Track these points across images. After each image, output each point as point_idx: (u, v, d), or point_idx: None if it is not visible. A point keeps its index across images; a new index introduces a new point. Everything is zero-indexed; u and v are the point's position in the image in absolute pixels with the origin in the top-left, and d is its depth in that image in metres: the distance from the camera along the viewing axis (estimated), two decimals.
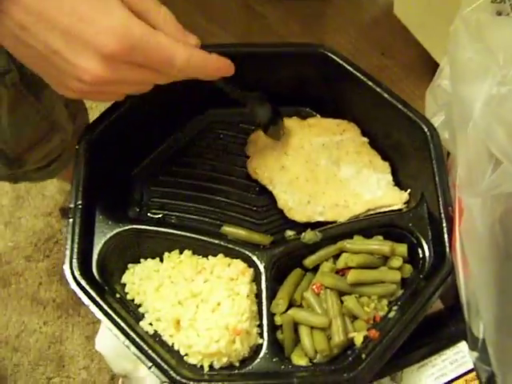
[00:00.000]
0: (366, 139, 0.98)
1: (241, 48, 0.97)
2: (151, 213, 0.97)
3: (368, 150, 0.97)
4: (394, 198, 0.94)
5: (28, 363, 1.76)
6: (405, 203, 0.94)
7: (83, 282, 0.82)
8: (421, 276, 0.87)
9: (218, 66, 0.77)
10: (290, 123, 0.99)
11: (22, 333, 1.80)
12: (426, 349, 0.87)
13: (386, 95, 0.93)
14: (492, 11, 0.81)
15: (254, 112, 0.91)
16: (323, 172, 0.95)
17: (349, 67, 0.95)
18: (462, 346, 0.87)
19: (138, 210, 0.97)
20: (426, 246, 0.88)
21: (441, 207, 0.86)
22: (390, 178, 0.96)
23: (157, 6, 0.73)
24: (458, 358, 0.87)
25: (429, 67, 1.03)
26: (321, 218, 0.93)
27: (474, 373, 0.84)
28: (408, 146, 0.94)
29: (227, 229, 0.93)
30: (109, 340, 1.23)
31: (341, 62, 0.95)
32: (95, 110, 1.77)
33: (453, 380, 0.84)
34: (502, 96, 0.71)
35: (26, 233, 1.91)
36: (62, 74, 0.70)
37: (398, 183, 0.96)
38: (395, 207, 0.94)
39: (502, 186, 0.71)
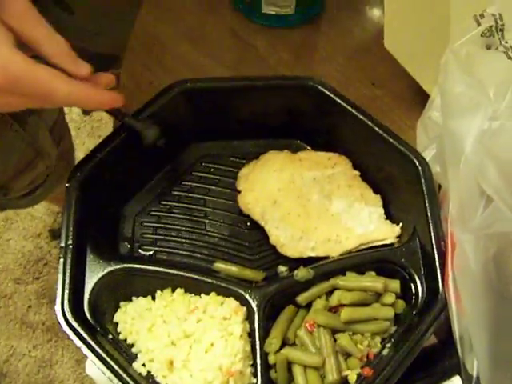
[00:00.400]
0: (357, 172, 0.98)
1: (232, 82, 0.97)
2: (142, 249, 0.96)
3: (359, 183, 0.97)
4: (386, 232, 0.93)
5: None
6: (397, 237, 0.94)
7: (75, 324, 0.82)
8: (414, 312, 0.87)
9: (100, 101, 0.77)
10: (281, 157, 0.98)
11: (10, 357, 1.79)
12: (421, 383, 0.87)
13: (377, 129, 0.93)
14: (482, 45, 0.81)
15: (143, 135, 0.89)
16: (315, 207, 0.94)
17: (339, 100, 0.94)
18: (456, 380, 0.86)
19: (129, 246, 0.96)
20: (418, 282, 0.88)
21: (433, 242, 0.85)
22: (381, 211, 0.96)
23: (48, 36, 0.72)
24: None
25: (419, 97, 1.03)
26: (313, 254, 0.93)
27: None
28: (399, 179, 0.94)
29: (219, 265, 0.93)
30: None
31: (330, 94, 0.95)
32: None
33: None
34: (493, 131, 0.71)
35: (14, 255, 1.90)
36: None
37: (390, 216, 0.96)
38: (387, 241, 0.93)
39: (494, 224, 0.71)
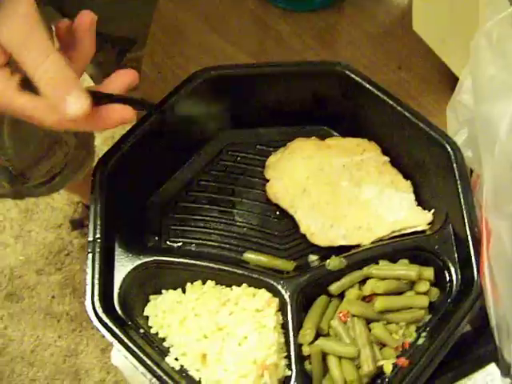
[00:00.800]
0: (387, 158, 0.96)
1: (257, 68, 0.95)
2: (170, 241, 0.95)
3: (390, 169, 0.96)
4: (417, 219, 0.92)
5: (44, 378, 1.77)
6: (429, 224, 0.92)
7: (106, 319, 0.81)
8: (448, 300, 0.85)
9: (91, 127, 0.72)
10: (309, 145, 0.97)
11: (36, 347, 1.80)
12: (455, 372, 0.85)
13: (406, 113, 0.91)
14: None
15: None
16: (345, 194, 0.93)
17: (367, 85, 0.93)
18: (492, 368, 0.85)
19: (156, 238, 0.95)
20: (452, 269, 0.86)
21: (467, 228, 0.84)
22: (412, 197, 0.94)
23: (39, 58, 0.64)
24: (488, 380, 0.84)
25: (447, 80, 1.01)
26: (344, 242, 0.91)
27: None
28: (431, 165, 0.92)
29: (249, 256, 0.92)
30: None
31: (359, 79, 0.93)
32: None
33: None
34: None
35: (36, 246, 1.90)
36: None
37: (421, 203, 0.94)
38: (419, 228, 0.92)
39: None
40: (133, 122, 0.76)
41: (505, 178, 0.70)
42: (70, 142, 1.24)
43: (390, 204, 0.93)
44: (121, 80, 0.73)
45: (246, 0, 1.15)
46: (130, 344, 0.80)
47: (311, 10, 1.14)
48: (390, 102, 0.92)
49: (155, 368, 0.79)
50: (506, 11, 0.77)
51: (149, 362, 0.79)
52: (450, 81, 0.99)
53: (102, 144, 1.92)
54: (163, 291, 0.89)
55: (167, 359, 0.84)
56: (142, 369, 0.79)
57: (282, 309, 0.86)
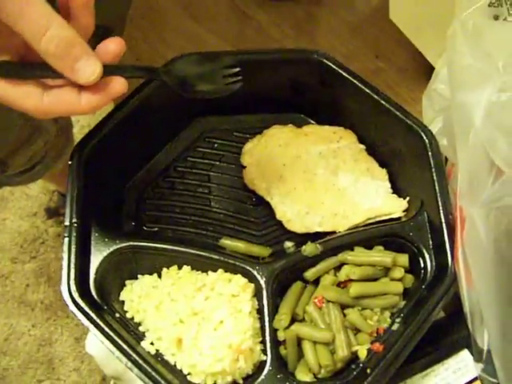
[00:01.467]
0: (362, 146, 0.97)
1: (236, 56, 0.95)
2: (147, 226, 0.95)
3: (365, 157, 0.96)
4: (393, 207, 0.93)
5: (17, 367, 1.76)
6: (404, 211, 0.93)
7: (82, 304, 0.81)
8: (423, 286, 0.86)
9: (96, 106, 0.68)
10: (286, 132, 0.97)
11: (10, 336, 1.79)
12: (429, 358, 0.87)
13: (383, 102, 0.92)
14: (489, 15, 0.80)
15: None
16: (321, 181, 0.94)
17: (344, 73, 0.93)
18: (465, 354, 0.87)
19: (133, 224, 0.95)
20: (427, 256, 0.87)
21: (441, 216, 0.85)
22: (388, 185, 0.95)
23: (41, 26, 0.63)
24: (461, 366, 0.86)
25: (423, 69, 1.03)
26: (320, 229, 0.92)
27: (477, 381, 0.84)
28: (406, 153, 0.93)
29: (225, 242, 0.92)
30: (99, 342, 1.21)
31: (336, 68, 0.94)
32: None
33: None
34: (503, 103, 0.70)
35: (11, 234, 1.89)
36: None
37: (397, 190, 0.95)
38: (394, 215, 0.93)
39: (504, 197, 0.70)
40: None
41: (479, 165, 0.71)
42: (51, 129, 1.24)
43: (365, 192, 0.94)
44: (111, 48, 0.71)
45: None
46: (106, 328, 0.80)
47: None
48: (367, 91, 0.92)
49: (131, 352, 0.79)
50: (481, 1, 0.78)
51: (124, 346, 0.79)
52: (427, 70, 1.00)
53: (79, 132, 1.91)
54: (139, 276, 0.89)
55: (143, 343, 0.84)
56: (117, 353, 0.79)
57: (257, 294, 0.86)
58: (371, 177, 0.95)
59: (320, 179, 0.94)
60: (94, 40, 1.25)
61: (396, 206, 0.93)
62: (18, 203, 1.92)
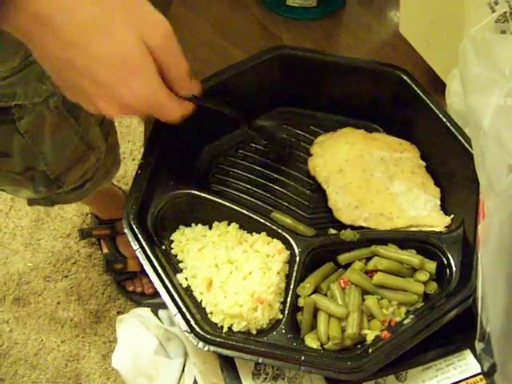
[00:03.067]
0: (423, 163, 1.04)
1: (326, 57, 1.05)
2: (212, 186, 1.05)
3: (423, 172, 1.03)
4: (437, 220, 0.99)
5: (46, 381, 1.84)
6: (446, 227, 0.98)
7: (135, 227, 0.91)
8: (443, 294, 0.91)
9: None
10: (357, 133, 1.06)
11: (40, 351, 1.88)
12: (433, 353, 0.91)
13: (448, 124, 0.98)
14: (496, 30, 0.85)
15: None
16: (376, 183, 1.01)
17: (421, 93, 1.01)
18: (467, 353, 0.91)
19: (200, 181, 1.05)
20: (454, 269, 0.93)
21: (476, 233, 0.90)
22: (437, 202, 1.01)
23: (177, 62, 0.77)
24: (462, 364, 0.90)
25: (436, 85, 1.08)
26: (364, 224, 0.99)
27: (474, 378, 0.88)
28: (460, 175, 0.99)
29: (276, 215, 1.00)
30: (126, 357, 1.30)
31: (415, 87, 1.01)
32: None
33: (455, 383, 0.88)
34: (508, 107, 0.75)
35: (45, 254, 2.01)
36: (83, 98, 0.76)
37: (444, 207, 1.01)
38: (436, 229, 0.98)
39: None
40: None
41: (493, 162, 0.75)
42: (102, 147, 1.32)
43: (414, 201, 1.00)
44: None
45: (252, 8, 1.24)
46: (150, 253, 0.89)
47: (311, 18, 1.23)
48: (437, 112, 0.99)
49: (165, 278, 0.88)
50: (487, 18, 0.84)
51: (161, 271, 0.88)
52: (441, 86, 1.06)
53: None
54: (192, 224, 0.99)
55: (178, 276, 0.93)
56: (153, 276, 0.88)
57: (290, 262, 0.94)
58: (424, 191, 1.01)
59: (376, 181, 1.01)
60: None
61: (439, 221, 0.99)
62: (52, 224, 2.04)
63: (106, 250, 1.93)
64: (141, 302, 1.87)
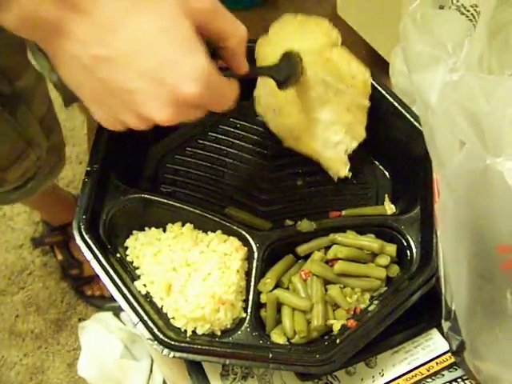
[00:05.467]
0: (367, 104, 0.98)
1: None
2: (162, 187, 1.02)
3: (360, 114, 0.99)
4: (335, 166, 1.01)
5: None
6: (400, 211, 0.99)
7: (87, 238, 0.88)
8: (406, 276, 0.91)
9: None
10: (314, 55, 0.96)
11: (1, 367, 1.83)
12: (400, 336, 0.91)
13: (396, 104, 0.99)
14: (435, 5, 0.84)
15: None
16: (307, 101, 0.97)
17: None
18: (434, 333, 0.91)
19: (150, 183, 1.03)
20: (414, 249, 0.93)
21: (432, 211, 0.89)
22: (352, 146, 1.00)
23: (234, 28, 0.75)
24: (430, 343, 0.91)
25: (380, 65, 1.08)
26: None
27: (443, 356, 0.89)
28: (412, 154, 0.98)
29: (230, 211, 0.98)
30: (92, 364, 1.27)
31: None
32: None
33: (424, 363, 0.89)
34: (454, 82, 0.74)
35: None
36: (123, 112, 0.71)
37: (398, 189, 1.02)
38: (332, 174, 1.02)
39: (466, 164, 0.72)
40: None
41: (443, 139, 0.75)
42: (43, 145, 1.27)
43: (329, 138, 0.98)
44: None
45: None
46: (105, 263, 0.87)
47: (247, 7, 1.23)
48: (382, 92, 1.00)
49: (123, 287, 0.86)
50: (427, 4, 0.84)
51: (118, 281, 0.86)
52: (382, 65, 1.06)
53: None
54: (146, 228, 0.96)
55: (136, 283, 0.90)
56: (110, 286, 0.86)
57: (249, 258, 0.92)
58: (346, 131, 0.98)
59: (308, 99, 0.96)
60: None
61: (338, 167, 1.00)
62: (3, 236, 1.99)
63: (60, 257, 1.89)
64: (101, 305, 1.85)
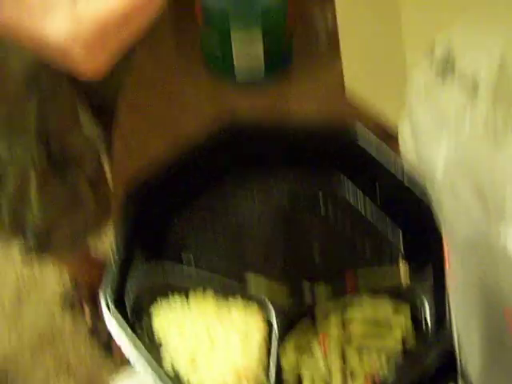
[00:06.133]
0: None
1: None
2: (182, 254, 1.08)
3: None
4: None
5: None
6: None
7: (114, 311, 0.94)
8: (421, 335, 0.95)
9: None
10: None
11: None
12: None
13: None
14: (437, 81, 0.87)
15: None
16: None
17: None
18: None
19: (171, 251, 1.08)
20: (428, 314, 0.96)
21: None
22: None
23: None
24: None
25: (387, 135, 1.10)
26: None
27: None
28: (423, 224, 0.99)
29: (249, 276, 1.01)
30: None
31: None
32: None
33: None
34: (459, 157, 0.76)
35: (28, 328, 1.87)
36: None
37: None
38: None
39: (472, 234, 0.73)
40: None
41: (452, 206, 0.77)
42: (91, 204, 1.24)
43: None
44: None
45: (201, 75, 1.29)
46: (133, 346, 0.92)
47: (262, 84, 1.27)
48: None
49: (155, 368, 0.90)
50: (429, 70, 0.86)
51: (148, 360, 0.91)
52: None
53: None
54: (169, 294, 1.00)
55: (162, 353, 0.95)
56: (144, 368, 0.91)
57: (269, 328, 0.95)
58: None
59: None
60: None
61: None
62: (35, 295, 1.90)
63: (87, 312, 1.90)
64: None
